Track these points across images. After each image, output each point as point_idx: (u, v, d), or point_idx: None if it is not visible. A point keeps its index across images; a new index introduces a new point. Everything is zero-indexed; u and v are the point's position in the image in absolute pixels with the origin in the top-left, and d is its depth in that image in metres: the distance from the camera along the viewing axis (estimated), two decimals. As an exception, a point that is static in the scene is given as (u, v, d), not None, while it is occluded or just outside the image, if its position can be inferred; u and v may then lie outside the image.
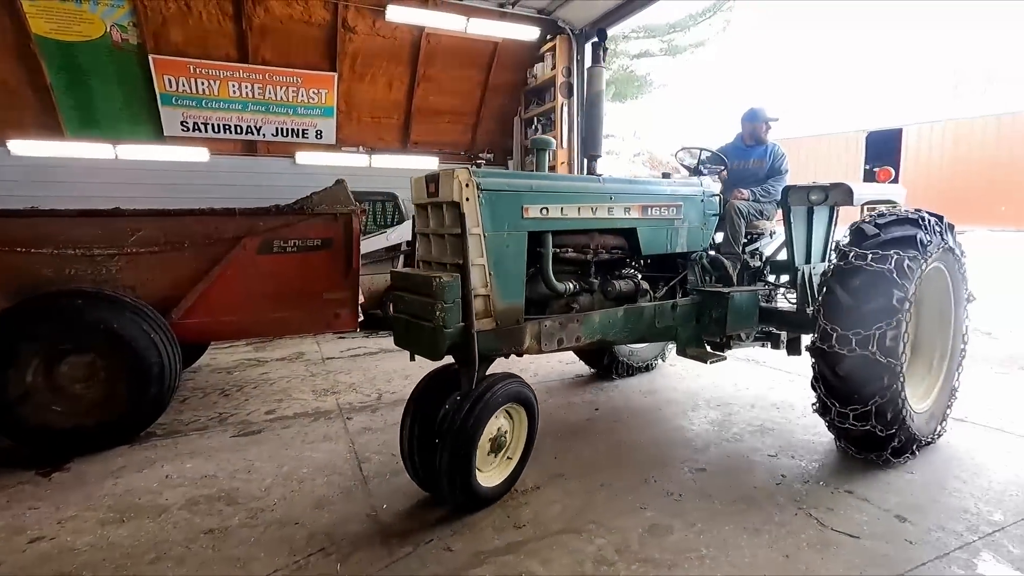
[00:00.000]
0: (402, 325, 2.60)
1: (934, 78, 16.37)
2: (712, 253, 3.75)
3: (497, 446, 2.62)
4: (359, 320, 4.32)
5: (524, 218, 2.65)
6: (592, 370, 4.86)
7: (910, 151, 17.68)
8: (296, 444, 3.43)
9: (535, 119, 9.30)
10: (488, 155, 10.34)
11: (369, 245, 7.31)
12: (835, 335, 2.74)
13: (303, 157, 8.77)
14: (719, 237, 3.79)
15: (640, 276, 3.38)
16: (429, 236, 2.63)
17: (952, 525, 2.43)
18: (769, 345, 3.84)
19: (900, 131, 17.72)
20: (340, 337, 6.80)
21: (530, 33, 8.29)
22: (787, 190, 3.63)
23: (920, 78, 16.55)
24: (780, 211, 3.79)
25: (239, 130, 8.35)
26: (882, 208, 3.32)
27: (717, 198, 3.64)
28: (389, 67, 8.73)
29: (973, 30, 37.13)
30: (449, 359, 2.51)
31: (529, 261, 2.72)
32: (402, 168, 9.50)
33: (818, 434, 3.42)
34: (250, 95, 8.21)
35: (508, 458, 2.70)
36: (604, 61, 3.27)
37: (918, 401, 3.16)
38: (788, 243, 3.66)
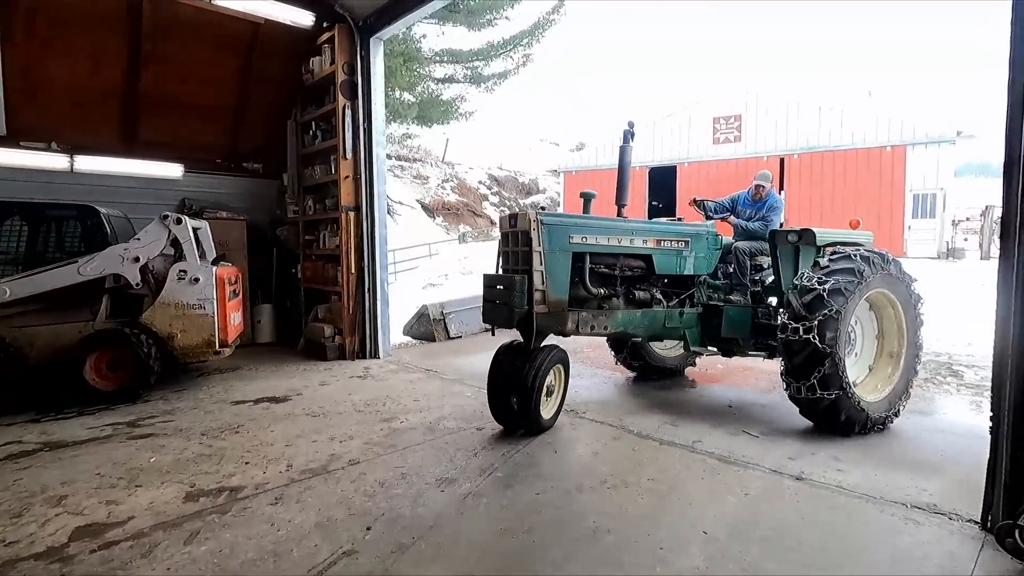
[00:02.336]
0: (490, 307, 4.08)
1: (702, 122, 18.49)
2: (723, 282, 5.21)
3: (549, 392, 4.21)
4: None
5: (570, 243, 4.13)
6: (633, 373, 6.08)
7: (683, 183, 19.96)
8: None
9: (313, 123, 7.69)
10: (256, 165, 8.36)
11: (45, 281, 5.00)
12: (790, 330, 4.00)
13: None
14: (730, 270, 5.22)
15: (656, 289, 4.75)
16: (509, 252, 4.10)
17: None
18: (766, 356, 4.89)
19: (675, 168, 19.93)
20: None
21: (301, 16, 6.74)
22: (773, 234, 4.85)
23: (690, 121, 18.55)
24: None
25: None
26: (842, 248, 4.43)
27: (719, 236, 5.02)
28: (95, 36, 6.39)
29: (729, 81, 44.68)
30: (516, 337, 4.12)
31: (574, 273, 4.21)
32: (128, 175, 7.08)
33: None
34: None
35: (553, 403, 4.31)
36: (631, 140, 4.79)
37: (873, 392, 4.33)
38: (775, 272, 4.86)
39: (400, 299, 10.37)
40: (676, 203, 20.12)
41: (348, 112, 6.96)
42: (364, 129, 7.02)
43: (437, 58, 22.33)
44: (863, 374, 4.53)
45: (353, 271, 7.04)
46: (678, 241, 4.70)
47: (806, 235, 4.58)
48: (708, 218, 5.32)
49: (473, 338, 8.93)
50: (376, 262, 7.10)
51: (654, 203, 20.74)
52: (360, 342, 7.14)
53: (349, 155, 7.03)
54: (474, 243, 20.65)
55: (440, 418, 4.70)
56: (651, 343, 5.65)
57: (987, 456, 2.70)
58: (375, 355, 7.14)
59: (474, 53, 22.67)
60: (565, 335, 4.20)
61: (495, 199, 30.03)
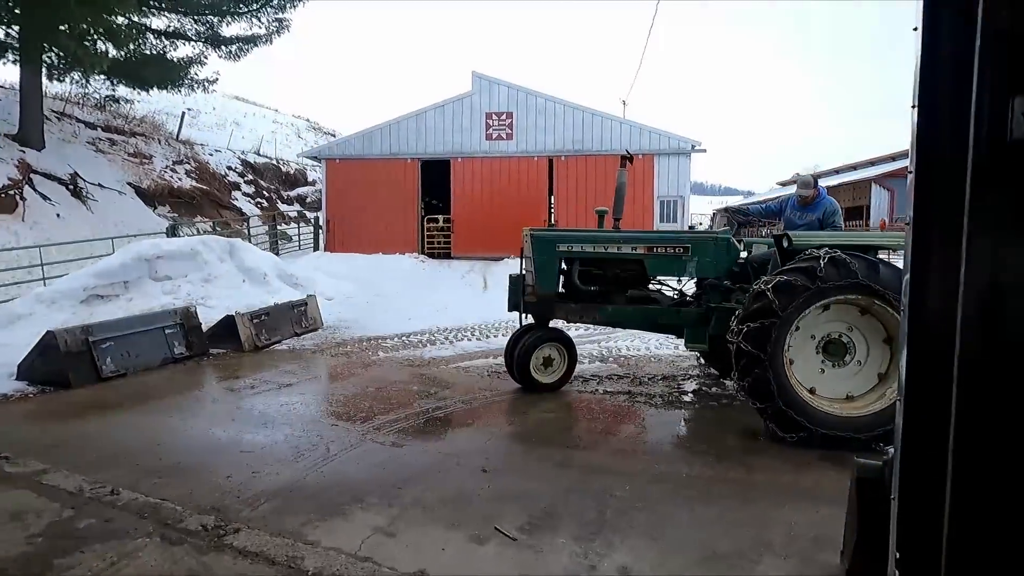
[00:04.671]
0: (509, 295, 5.62)
1: (475, 117, 17.54)
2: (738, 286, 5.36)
3: (548, 362, 5.40)
4: None
5: (557, 251, 5.37)
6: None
7: (456, 180, 18.90)
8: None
9: None
10: None
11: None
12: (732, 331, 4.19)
13: None
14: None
15: (659, 288, 5.71)
16: (521, 258, 5.62)
17: None
18: None
19: (449, 162, 18.82)
20: None
21: None
22: (779, 239, 4.75)
23: (463, 113, 17.48)
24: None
25: None
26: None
27: (731, 242, 5.34)
28: None
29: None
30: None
31: (566, 274, 5.55)
32: None
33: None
34: None
35: (554, 371, 5.43)
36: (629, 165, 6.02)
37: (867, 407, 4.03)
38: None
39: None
40: (451, 199, 18.94)
41: None
42: None
43: (154, 1, 17.51)
44: (868, 385, 4.13)
45: None
46: (675, 248, 5.26)
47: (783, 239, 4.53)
48: (743, 224, 5.96)
49: (151, 377, 6.08)
50: None
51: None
52: None
53: None
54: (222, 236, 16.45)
55: None
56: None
57: None
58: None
59: (206, 4, 18.37)
60: (569, 321, 5.80)
61: (250, 189, 25.50)
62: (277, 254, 17.50)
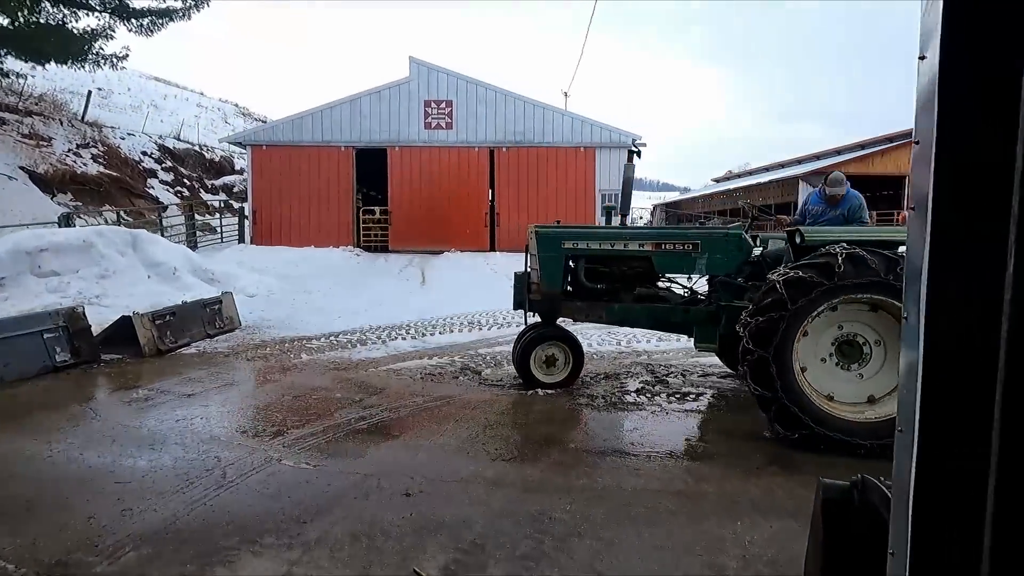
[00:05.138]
0: (514, 293, 5.51)
1: (413, 104, 16.82)
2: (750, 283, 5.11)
3: (551, 361, 5.30)
4: None
5: (562, 248, 5.22)
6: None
7: (394, 169, 18.10)
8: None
9: None
10: None
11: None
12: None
13: None
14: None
15: (668, 286, 5.52)
16: (526, 255, 5.47)
17: None
18: None
19: (386, 151, 17.98)
20: None
21: None
22: (791, 235, 4.63)
23: (400, 100, 16.75)
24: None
25: None
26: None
27: (744, 239, 5.09)
28: None
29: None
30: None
31: (571, 271, 5.40)
32: None
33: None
34: None
35: (559, 370, 5.32)
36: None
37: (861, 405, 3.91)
38: None
39: None
40: (388, 190, 18.15)
41: None
42: None
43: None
44: (891, 384, 3.89)
45: None
46: (684, 244, 5.05)
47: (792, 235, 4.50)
48: (757, 221, 5.88)
49: (23, 389, 5.18)
50: None
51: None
52: None
53: None
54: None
55: None
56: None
57: None
58: None
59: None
60: (575, 320, 5.70)
61: (168, 176, 23.59)
62: (195, 247, 16.17)
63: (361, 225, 18.14)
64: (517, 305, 5.51)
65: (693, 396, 5.30)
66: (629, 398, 5.25)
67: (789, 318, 3.74)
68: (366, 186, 24.39)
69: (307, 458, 3.73)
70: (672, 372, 6.13)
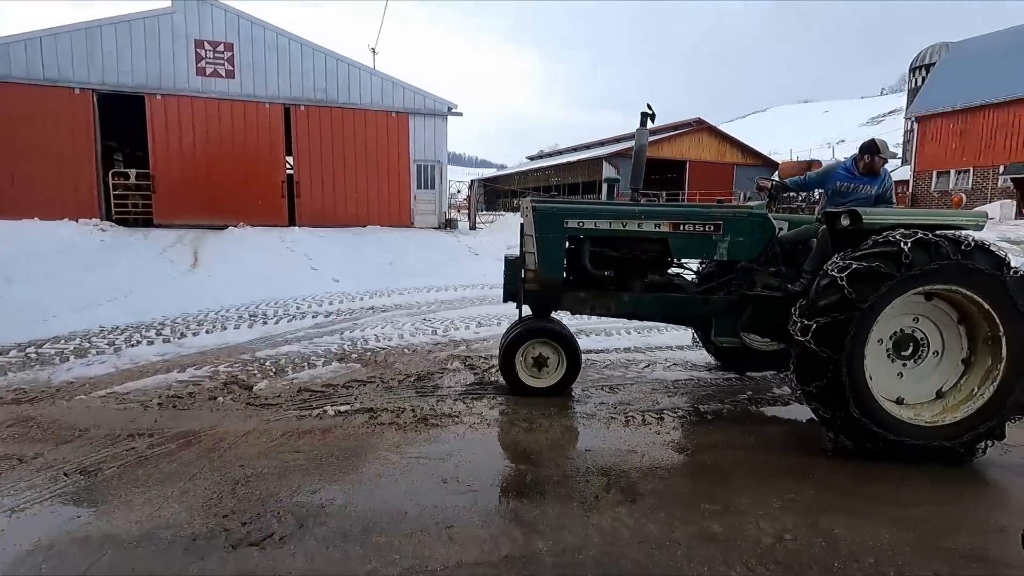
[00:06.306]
0: (505, 281, 4.63)
1: (179, 42, 13.57)
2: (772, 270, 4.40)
3: (541, 363, 4.52)
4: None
5: (564, 227, 4.40)
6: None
7: (157, 123, 14.49)
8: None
9: None
10: None
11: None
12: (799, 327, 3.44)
13: None
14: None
15: (679, 272, 4.89)
16: (520, 236, 4.57)
17: None
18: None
19: (144, 98, 14.19)
20: None
21: None
22: (828, 217, 4.01)
23: (160, 35, 13.42)
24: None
25: None
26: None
27: (769, 220, 4.36)
28: None
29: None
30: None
31: (575, 256, 4.57)
32: None
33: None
34: None
35: (550, 372, 4.52)
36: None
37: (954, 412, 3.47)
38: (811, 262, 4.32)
39: None
40: (150, 148, 14.58)
41: None
42: None
43: None
44: (955, 375, 3.62)
45: None
46: (704, 225, 4.35)
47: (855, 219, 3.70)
48: (775, 198, 5.15)
49: None
50: None
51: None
52: None
53: None
54: None
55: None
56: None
57: None
58: None
59: None
60: (576, 312, 4.63)
61: None
62: None
63: (111, 192, 14.31)
64: (509, 296, 4.65)
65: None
66: (445, 406, 4.25)
67: (859, 319, 3.30)
68: (125, 145, 19.62)
69: None
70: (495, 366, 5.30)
